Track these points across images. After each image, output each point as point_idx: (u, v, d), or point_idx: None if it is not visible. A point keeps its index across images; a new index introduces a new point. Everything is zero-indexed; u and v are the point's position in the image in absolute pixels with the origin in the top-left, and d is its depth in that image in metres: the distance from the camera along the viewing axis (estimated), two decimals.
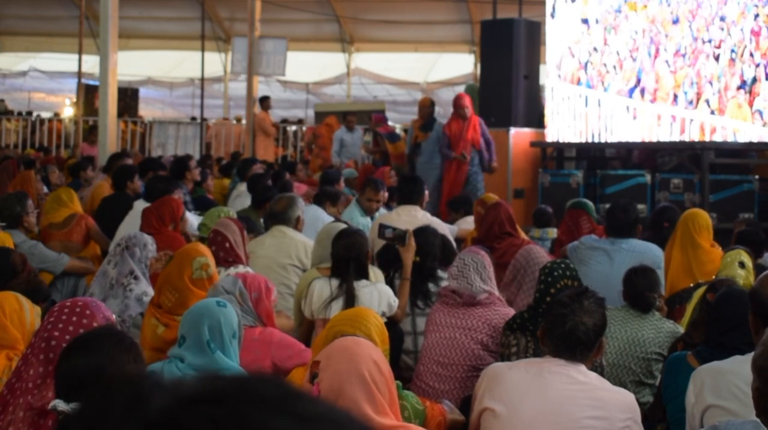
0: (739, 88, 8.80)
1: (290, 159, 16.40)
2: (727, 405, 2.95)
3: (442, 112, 10.82)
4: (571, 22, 10.41)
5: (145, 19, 21.16)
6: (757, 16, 8.71)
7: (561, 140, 10.51)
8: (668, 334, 4.34)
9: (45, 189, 8.33)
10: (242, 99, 17.42)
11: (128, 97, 20.20)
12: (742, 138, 8.79)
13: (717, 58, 8.96)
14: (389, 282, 4.89)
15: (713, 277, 4.84)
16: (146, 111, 22.10)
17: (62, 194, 6.77)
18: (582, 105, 10.27)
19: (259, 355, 3.73)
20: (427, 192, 6.95)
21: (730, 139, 8.87)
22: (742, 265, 4.86)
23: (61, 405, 2.35)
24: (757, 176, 8.96)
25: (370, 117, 13.26)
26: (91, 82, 18.50)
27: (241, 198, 8.25)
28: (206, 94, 17.67)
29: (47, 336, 2.62)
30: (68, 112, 21.08)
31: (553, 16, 10.65)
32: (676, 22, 9.39)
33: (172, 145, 17.38)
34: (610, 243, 5.48)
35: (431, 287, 4.88)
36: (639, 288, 4.42)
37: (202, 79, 16.73)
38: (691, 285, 5.23)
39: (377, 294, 4.49)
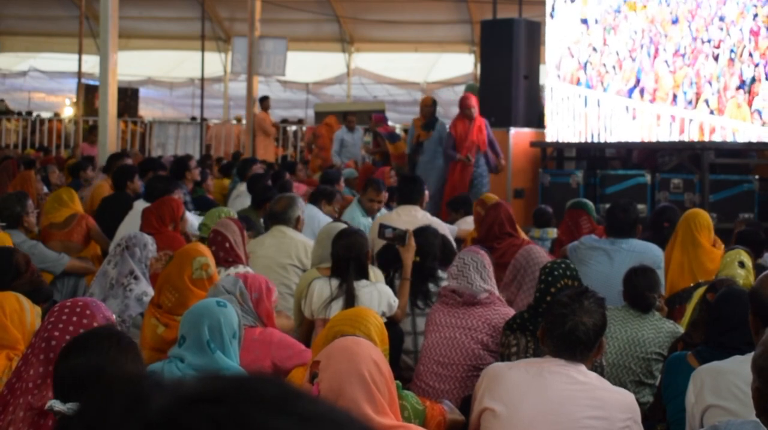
0: (738, 88, 8.81)
1: (290, 159, 16.40)
2: (727, 405, 2.95)
3: (442, 112, 10.83)
4: (571, 22, 10.41)
5: (145, 19, 21.16)
6: (756, 16, 8.71)
7: (560, 140, 10.51)
8: (668, 334, 4.34)
9: (45, 189, 8.33)
10: (242, 99, 17.43)
11: (128, 97, 20.20)
12: (742, 138, 8.79)
13: (716, 58, 8.96)
14: (389, 282, 4.89)
15: (713, 277, 4.85)
16: (146, 111, 22.10)
17: (63, 194, 6.78)
18: (581, 105, 10.27)
19: (259, 355, 3.73)
20: (427, 192, 6.95)
21: (729, 139, 8.87)
22: (742, 265, 4.86)
23: (57, 405, 2.35)
24: (757, 176, 8.96)
25: (370, 117, 13.26)
26: (91, 82, 18.50)
27: (241, 198, 8.25)
28: (206, 94, 17.67)
29: (47, 336, 2.62)
30: (68, 112, 21.08)
31: (552, 16, 10.65)
32: (675, 22, 9.39)
33: (172, 145, 17.38)
34: (610, 243, 5.48)
35: (431, 287, 4.88)
36: (639, 288, 4.42)
37: (202, 79, 16.73)
38: (691, 285, 5.23)
39: (377, 294, 4.49)
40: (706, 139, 8.99)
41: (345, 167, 11.54)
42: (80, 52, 17.01)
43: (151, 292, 4.48)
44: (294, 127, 19.08)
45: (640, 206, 8.32)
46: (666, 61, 9.43)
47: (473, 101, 9.53)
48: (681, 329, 4.33)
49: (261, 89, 17.25)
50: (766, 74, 8.62)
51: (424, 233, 5.09)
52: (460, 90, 12.78)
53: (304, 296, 4.59)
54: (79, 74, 17.28)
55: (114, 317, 3.02)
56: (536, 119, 10.75)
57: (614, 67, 9.94)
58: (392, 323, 4.47)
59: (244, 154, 14.65)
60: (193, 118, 19.53)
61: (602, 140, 10.16)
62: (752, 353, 2.36)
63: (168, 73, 23.28)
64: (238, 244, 5.00)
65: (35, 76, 23.45)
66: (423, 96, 14.51)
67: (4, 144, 18.01)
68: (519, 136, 10.40)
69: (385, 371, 2.65)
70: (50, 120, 19.62)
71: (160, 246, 5.08)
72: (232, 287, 3.86)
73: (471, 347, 4.27)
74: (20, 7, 22.00)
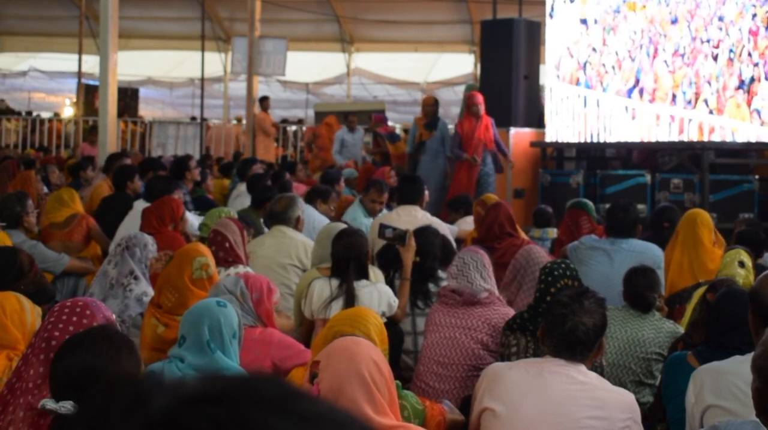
0: (737, 87, 8.81)
1: (290, 159, 16.40)
2: (727, 405, 2.95)
3: (443, 113, 10.82)
4: (570, 22, 10.41)
5: (145, 19, 21.16)
6: (755, 15, 8.72)
7: (560, 141, 10.51)
8: (668, 334, 4.34)
9: (45, 189, 8.33)
10: (242, 99, 17.43)
11: (128, 97, 20.20)
12: (741, 137, 8.79)
13: (715, 58, 8.96)
14: (389, 282, 4.89)
15: (714, 277, 4.85)
16: (146, 111, 22.10)
17: (64, 194, 6.79)
18: (581, 105, 10.27)
19: (259, 355, 3.74)
20: (427, 192, 6.95)
21: (728, 138, 8.88)
22: (741, 264, 4.87)
23: (49, 403, 2.36)
24: (757, 176, 8.96)
25: (370, 117, 13.26)
26: (91, 82, 18.50)
27: (241, 198, 8.24)
28: (206, 94, 17.66)
29: (47, 336, 2.62)
30: (68, 112, 21.08)
31: (551, 16, 10.65)
32: (674, 22, 9.39)
33: (172, 145, 17.37)
34: (610, 243, 5.48)
35: (431, 287, 4.88)
36: (639, 288, 4.42)
37: (202, 79, 16.73)
38: (691, 285, 5.23)
39: (377, 294, 4.49)
40: (706, 138, 8.99)
41: (345, 167, 11.54)
42: (80, 52, 17.01)
43: (151, 292, 4.48)
44: (294, 127, 19.08)
45: (640, 206, 8.32)
46: (665, 61, 9.43)
47: (480, 99, 9.54)
48: (681, 329, 4.33)
49: (261, 89, 17.25)
50: (765, 74, 8.62)
51: (424, 233, 5.09)
52: (460, 90, 12.77)
53: (304, 296, 4.59)
54: (79, 74, 17.28)
55: (114, 317, 3.02)
56: (536, 119, 10.75)
57: (613, 68, 9.94)
58: (392, 323, 4.47)
59: (244, 154, 14.65)
60: (193, 118, 19.53)
61: (602, 140, 10.16)
62: (752, 353, 2.36)
63: (168, 73, 23.28)
64: (238, 244, 5.00)
65: (35, 76, 23.45)
66: (423, 96, 14.52)
67: (4, 144, 18.01)
68: (519, 136, 10.41)
69: (385, 371, 2.65)
70: (50, 120, 19.62)
71: (160, 246, 5.08)
72: (233, 286, 3.86)
73: (471, 347, 4.27)
74: (20, 7, 22.00)
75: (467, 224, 7.23)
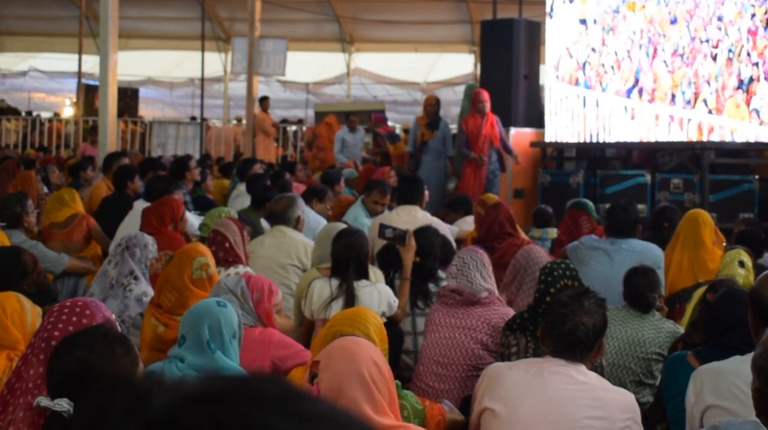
0: (736, 87, 8.81)
1: (290, 159, 16.40)
2: (727, 405, 2.95)
3: (442, 113, 10.82)
4: (569, 22, 10.41)
5: (145, 19, 21.15)
6: (754, 15, 8.72)
7: (560, 141, 10.51)
8: (668, 334, 4.34)
9: (45, 189, 8.33)
10: (242, 99, 17.42)
11: (128, 97, 20.20)
12: (740, 137, 8.79)
13: (714, 58, 8.96)
14: (389, 282, 4.89)
15: (714, 277, 4.85)
16: (146, 111, 22.10)
17: (64, 194, 6.79)
18: (580, 105, 10.27)
19: (259, 355, 3.73)
20: (427, 192, 6.95)
21: (727, 138, 8.88)
22: (741, 264, 4.87)
23: (44, 401, 2.36)
24: (757, 176, 8.97)
25: (370, 117, 13.25)
26: (91, 82, 18.50)
27: (241, 198, 8.24)
28: (206, 94, 17.67)
29: (47, 336, 2.62)
30: (68, 112, 21.08)
31: (551, 16, 10.65)
32: (673, 22, 9.39)
33: (172, 145, 17.36)
34: (610, 243, 5.48)
35: (431, 287, 4.88)
36: (639, 288, 4.42)
37: (202, 79, 16.73)
38: (691, 285, 5.23)
39: (377, 294, 4.49)
40: (705, 138, 8.99)
41: (345, 167, 11.54)
42: (80, 52, 17.01)
43: (151, 292, 4.48)
44: (294, 127, 19.08)
45: (640, 206, 8.32)
46: (664, 61, 9.44)
47: (485, 96, 9.56)
48: (681, 329, 4.33)
49: (261, 89, 17.24)
50: (764, 74, 8.62)
51: (424, 233, 5.09)
52: (460, 90, 12.75)
53: (304, 296, 4.59)
54: (79, 74, 17.28)
55: (114, 317, 3.02)
56: (536, 119, 10.76)
57: (613, 67, 9.94)
58: (392, 323, 4.47)
59: (244, 154, 14.65)
60: (193, 118, 19.53)
61: (601, 140, 10.16)
62: (752, 353, 2.36)
63: (168, 73, 23.28)
64: (238, 244, 5.00)
65: (35, 76, 23.45)
66: (423, 96, 14.52)
67: (4, 144, 18.01)
68: (519, 136, 10.41)
69: (384, 371, 2.65)
70: (50, 120, 19.62)
71: (160, 246, 5.08)
72: (234, 286, 3.86)
73: (471, 347, 4.27)
74: (20, 7, 21.99)
75: (467, 224, 7.22)
